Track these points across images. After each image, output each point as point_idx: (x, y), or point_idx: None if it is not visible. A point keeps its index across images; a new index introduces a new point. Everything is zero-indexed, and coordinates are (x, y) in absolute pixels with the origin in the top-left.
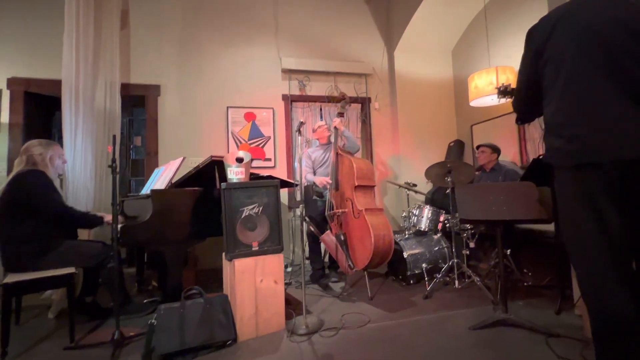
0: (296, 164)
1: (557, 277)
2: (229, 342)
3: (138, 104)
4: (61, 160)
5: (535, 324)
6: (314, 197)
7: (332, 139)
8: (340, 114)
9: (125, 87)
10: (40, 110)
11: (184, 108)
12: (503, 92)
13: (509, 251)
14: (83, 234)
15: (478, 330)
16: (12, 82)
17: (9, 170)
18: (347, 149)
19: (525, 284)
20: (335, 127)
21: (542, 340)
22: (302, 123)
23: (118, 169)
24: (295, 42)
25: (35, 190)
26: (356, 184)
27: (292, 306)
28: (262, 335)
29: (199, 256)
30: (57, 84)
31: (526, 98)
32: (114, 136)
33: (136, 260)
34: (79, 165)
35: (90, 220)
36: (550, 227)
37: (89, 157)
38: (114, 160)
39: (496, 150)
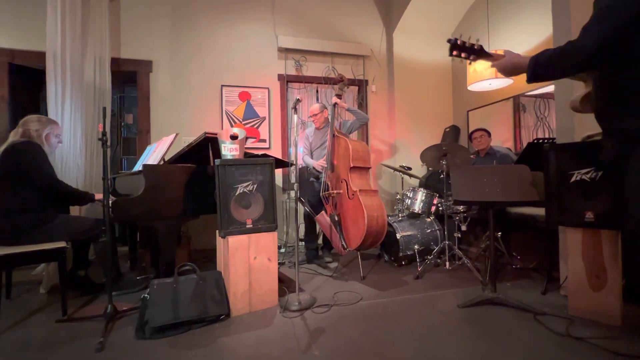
0: (292, 149)
1: (546, 259)
2: (222, 316)
3: (129, 80)
4: (57, 140)
5: (522, 302)
6: (311, 179)
7: (330, 119)
8: (339, 96)
9: (115, 62)
10: (27, 84)
11: (177, 85)
12: (459, 47)
13: (499, 234)
14: (74, 211)
15: (467, 308)
16: None
17: None
18: (358, 122)
19: (513, 266)
20: (334, 104)
21: (528, 318)
22: (298, 100)
23: (109, 143)
24: (293, 20)
25: (28, 160)
26: (351, 165)
27: (285, 284)
28: (255, 311)
29: (192, 236)
30: (44, 56)
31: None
32: (104, 108)
33: (129, 239)
34: (67, 140)
35: (82, 197)
36: (540, 211)
37: (78, 133)
38: (104, 133)
39: (490, 134)
